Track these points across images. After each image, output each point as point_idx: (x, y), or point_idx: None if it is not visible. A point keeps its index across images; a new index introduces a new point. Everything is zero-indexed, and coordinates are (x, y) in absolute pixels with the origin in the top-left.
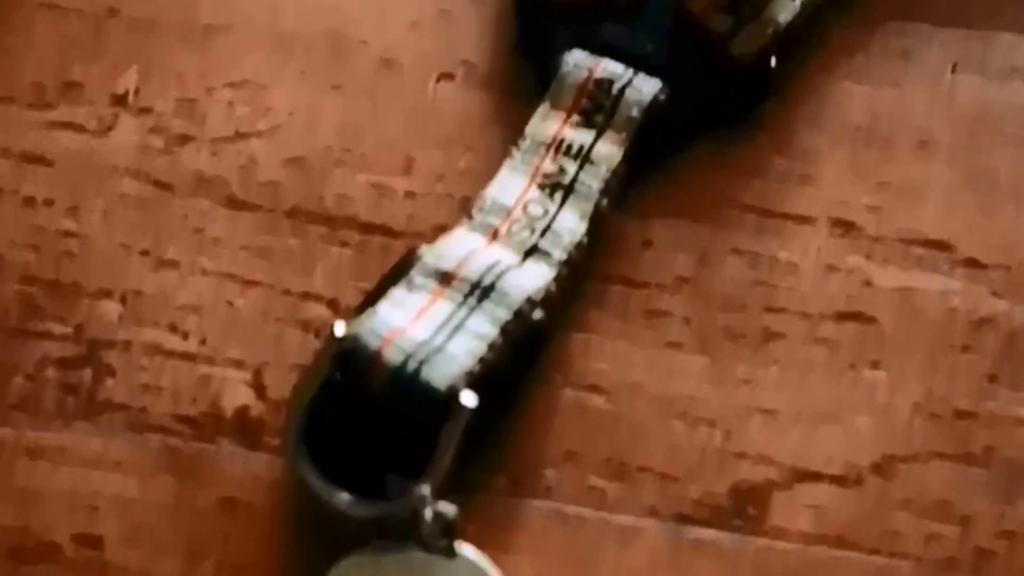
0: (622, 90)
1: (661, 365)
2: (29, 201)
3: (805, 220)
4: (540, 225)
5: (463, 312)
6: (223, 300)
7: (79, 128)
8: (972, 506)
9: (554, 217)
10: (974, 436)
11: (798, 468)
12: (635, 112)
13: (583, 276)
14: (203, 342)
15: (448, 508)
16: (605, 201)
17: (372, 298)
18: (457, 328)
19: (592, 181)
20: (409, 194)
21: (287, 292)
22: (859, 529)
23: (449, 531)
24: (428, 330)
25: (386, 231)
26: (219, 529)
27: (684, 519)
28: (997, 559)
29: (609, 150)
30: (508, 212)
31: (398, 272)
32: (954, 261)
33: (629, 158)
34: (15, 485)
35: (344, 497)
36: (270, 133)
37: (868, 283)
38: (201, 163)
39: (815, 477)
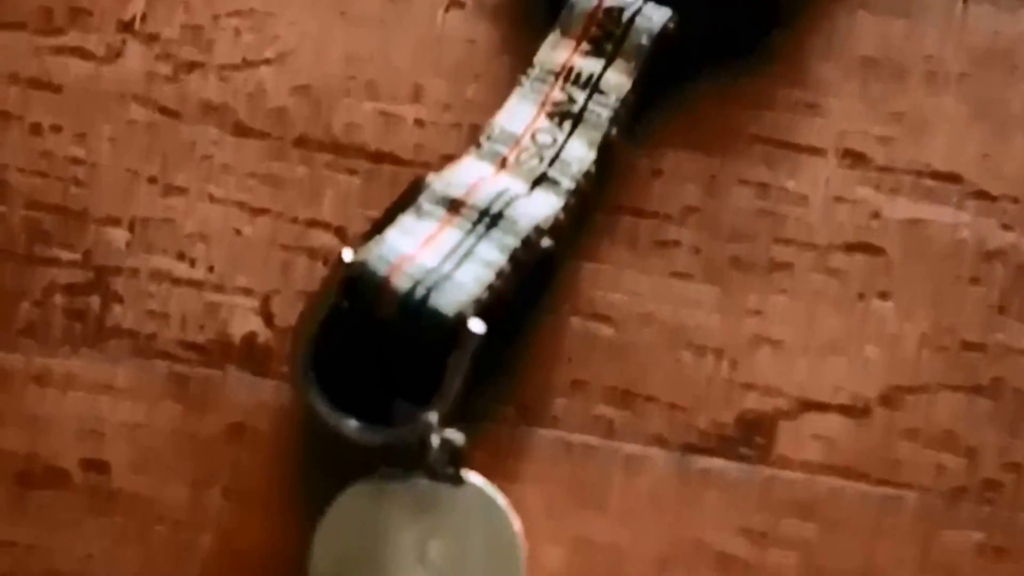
0: (632, 18)
1: (669, 295)
2: (36, 128)
3: (814, 151)
4: (549, 154)
5: (472, 239)
6: (231, 227)
7: (87, 54)
8: (979, 437)
9: (563, 146)
10: (982, 368)
11: (805, 398)
12: (645, 40)
13: (592, 205)
14: (211, 269)
15: (455, 435)
16: (614, 130)
17: (380, 225)
18: (466, 255)
19: (601, 110)
20: (417, 122)
21: (295, 220)
22: (866, 459)
23: (456, 459)
24: (436, 257)
25: (394, 159)
26: (226, 455)
27: (691, 448)
28: (1004, 490)
29: (618, 79)
30: (516, 141)
31: (406, 199)
32: (963, 193)
33: (638, 87)
34: (23, 411)
35: (351, 423)
36: (278, 61)
37: (877, 214)
38: (209, 91)
39: (822, 407)
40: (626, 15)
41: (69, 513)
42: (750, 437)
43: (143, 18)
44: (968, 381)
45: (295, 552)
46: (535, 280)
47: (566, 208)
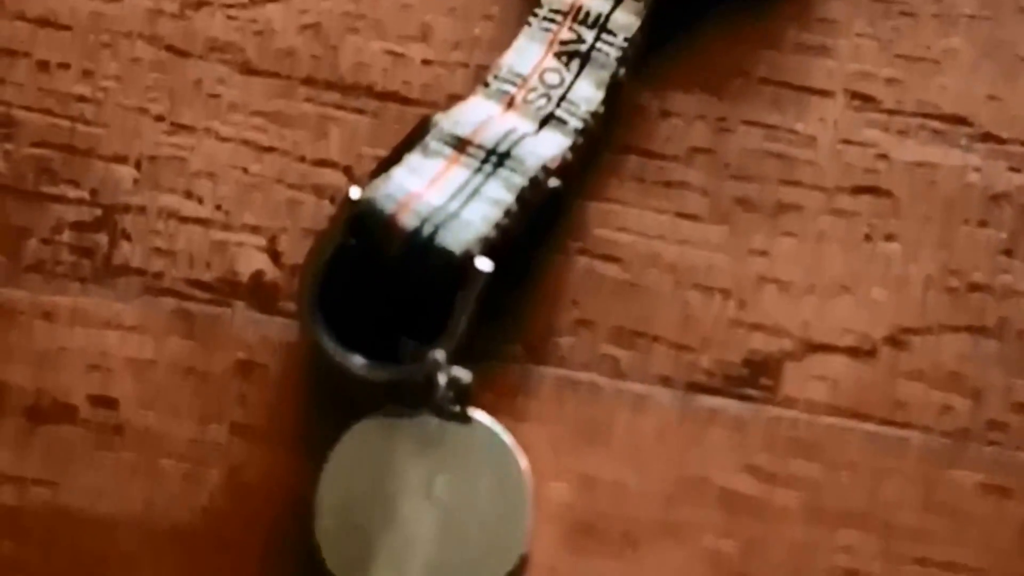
0: None
1: (676, 235)
2: (43, 65)
3: (823, 93)
4: (556, 94)
5: (479, 178)
6: (238, 166)
7: None
8: (985, 379)
9: (570, 86)
10: (988, 309)
11: (811, 339)
12: None
13: (599, 145)
14: (218, 207)
15: (462, 373)
16: (622, 71)
17: (387, 164)
18: (473, 194)
19: (609, 50)
20: (425, 62)
21: (302, 159)
22: (871, 400)
23: (463, 397)
24: (443, 195)
25: (401, 99)
26: (234, 392)
27: (697, 388)
28: (1009, 431)
29: (627, 19)
30: (524, 80)
31: (413, 138)
32: (972, 135)
33: (647, 27)
34: (31, 347)
35: (358, 361)
36: None
37: (885, 156)
38: (216, 29)
39: (828, 348)
40: None
41: (77, 448)
42: (756, 377)
43: None
44: (974, 322)
45: (302, 487)
46: (542, 219)
47: (574, 148)
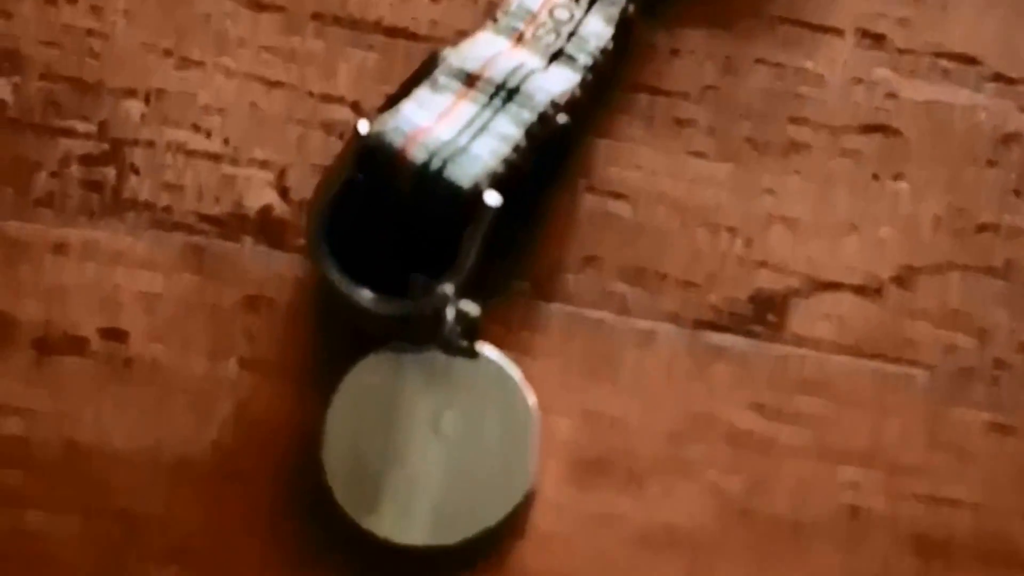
0: None
1: (685, 173)
2: None
3: (833, 31)
4: (566, 30)
5: (488, 113)
6: (246, 101)
7: None
8: (990, 318)
9: (580, 22)
10: (995, 249)
11: (818, 277)
12: None
13: (609, 82)
14: (226, 142)
15: (471, 307)
16: (632, 7)
17: (395, 100)
18: (481, 129)
19: None
20: None
21: (310, 94)
22: (877, 338)
23: (471, 331)
24: (452, 130)
25: (409, 34)
26: (243, 326)
27: (703, 324)
28: (1014, 371)
29: None
30: (533, 16)
31: (422, 73)
32: (982, 75)
33: None
34: (41, 280)
35: (367, 294)
36: None
37: (894, 96)
38: None
39: (835, 286)
40: None
41: (86, 380)
42: (763, 315)
43: None
44: (981, 262)
45: (310, 421)
46: (551, 155)
47: (582, 84)
